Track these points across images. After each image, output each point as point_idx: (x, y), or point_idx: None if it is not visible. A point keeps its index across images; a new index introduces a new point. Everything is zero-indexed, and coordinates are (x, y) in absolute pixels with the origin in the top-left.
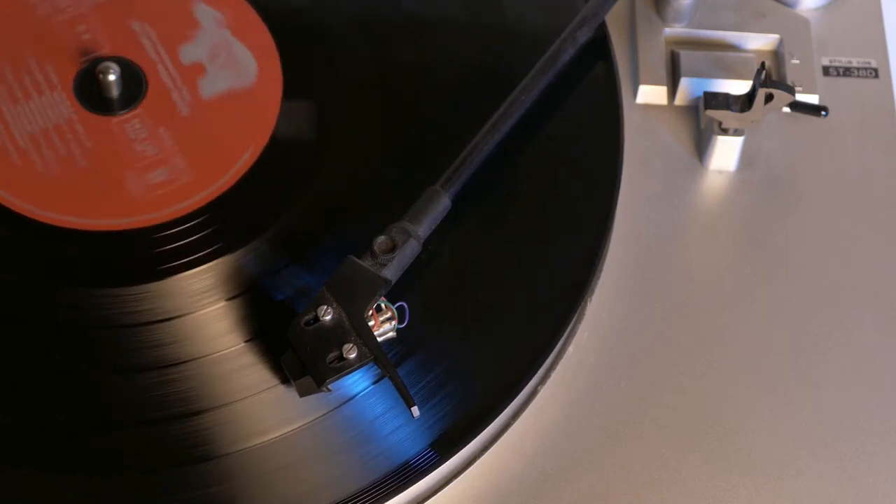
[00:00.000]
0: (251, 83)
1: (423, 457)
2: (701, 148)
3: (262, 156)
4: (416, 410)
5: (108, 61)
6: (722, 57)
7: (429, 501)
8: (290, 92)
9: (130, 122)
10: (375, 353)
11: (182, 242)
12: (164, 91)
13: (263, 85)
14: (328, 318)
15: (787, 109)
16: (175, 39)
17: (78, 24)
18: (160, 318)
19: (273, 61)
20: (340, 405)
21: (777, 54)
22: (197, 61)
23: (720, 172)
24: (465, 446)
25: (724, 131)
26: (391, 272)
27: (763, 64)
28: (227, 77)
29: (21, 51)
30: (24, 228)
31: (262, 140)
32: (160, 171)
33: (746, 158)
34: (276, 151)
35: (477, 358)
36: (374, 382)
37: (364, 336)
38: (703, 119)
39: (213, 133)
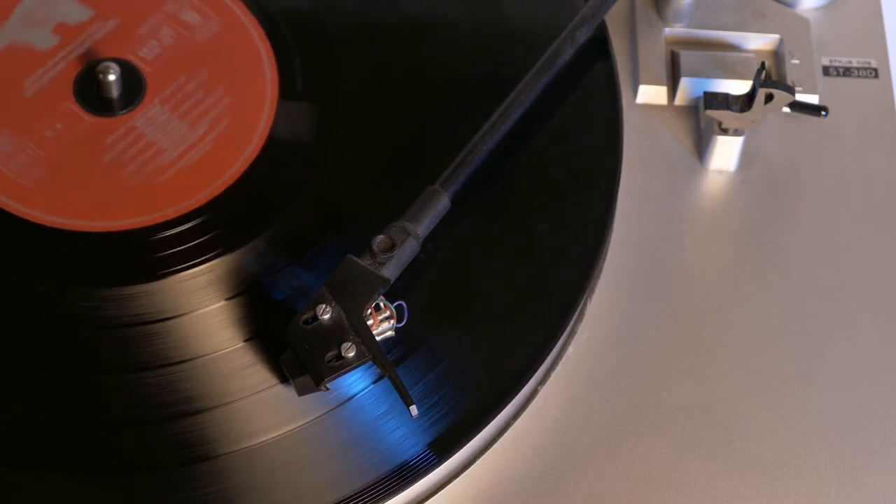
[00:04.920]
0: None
1: (422, 457)
2: (701, 148)
3: (262, 155)
4: (414, 409)
5: (107, 61)
6: (722, 57)
7: (429, 501)
8: (289, 92)
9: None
10: (374, 352)
11: (181, 242)
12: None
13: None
14: (327, 317)
15: (787, 109)
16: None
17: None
18: (159, 317)
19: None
20: (340, 405)
21: (777, 54)
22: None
23: (720, 172)
24: (464, 446)
25: (724, 131)
26: (390, 271)
27: (763, 64)
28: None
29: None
30: (24, 230)
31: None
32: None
33: (746, 158)
34: (276, 151)
35: (477, 358)
36: (374, 382)
37: (363, 335)
38: (703, 119)
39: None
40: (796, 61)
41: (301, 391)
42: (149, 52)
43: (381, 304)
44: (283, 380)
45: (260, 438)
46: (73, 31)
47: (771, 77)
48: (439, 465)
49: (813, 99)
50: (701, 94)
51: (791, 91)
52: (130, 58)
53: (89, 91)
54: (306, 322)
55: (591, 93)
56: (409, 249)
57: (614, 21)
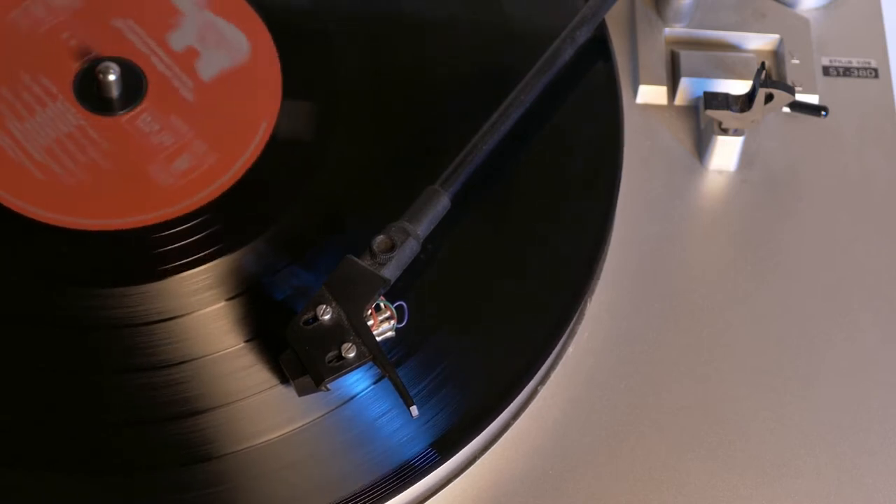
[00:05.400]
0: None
1: (423, 457)
2: (701, 148)
3: (263, 155)
4: (415, 410)
5: (106, 61)
6: (722, 57)
7: (429, 501)
8: (288, 92)
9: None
10: (374, 353)
11: (182, 242)
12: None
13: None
14: (327, 317)
15: (787, 109)
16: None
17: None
18: (160, 318)
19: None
20: (340, 405)
21: (777, 54)
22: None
23: (720, 172)
24: (465, 446)
25: (724, 131)
26: (390, 272)
27: (763, 64)
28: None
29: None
30: (24, 230)
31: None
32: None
33: (746, 158)
34: (276, 151)
35: (477, 358)
36: (374, 382)
37: (363, 335)
38: (703, 119)
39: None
40: (796, 61)
41: (301, 392)
42: (148, 51)
43: (382, 305)
44: (284, 380)
45: (260, 439)
46: None
47: (771, 77)
48: (440, 465)
49: (813, 99)
50: (701, 94)
51: (791, 91)
52: (131, 56)
53: (89, 91)
54: (306, 322)
55: (591, 93)
56: (409, 250)
57: (614, 21)
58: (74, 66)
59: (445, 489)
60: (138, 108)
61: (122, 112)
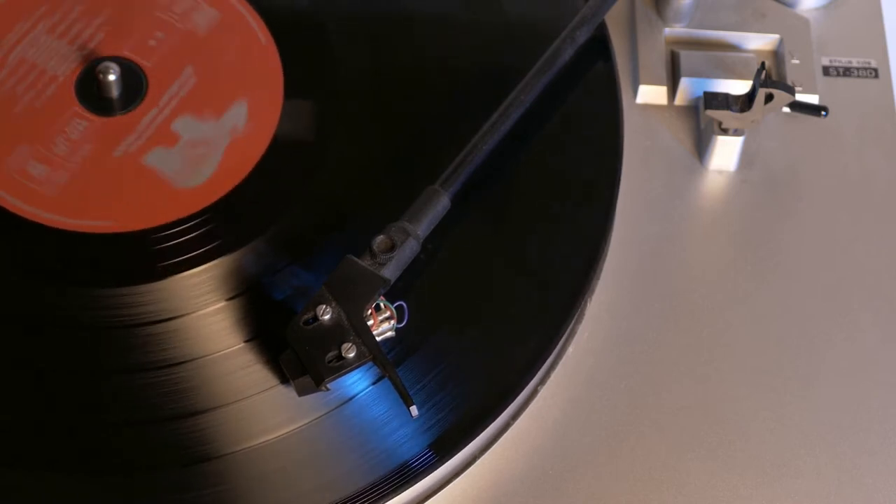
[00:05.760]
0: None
1: (422, 457)
2: (701, 148)
3: (265, 155)
4: (414, 410)
5: (107, 61)
6: (722, 57)
7: (429, 501)
8: (289, 92)
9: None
10: (374, 353)
11: (182, 242)
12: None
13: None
14: (327, 317)
15: (787, 109)
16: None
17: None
18: (160, 318)
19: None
20: (340, 405)
21: (777, 54)
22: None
23: (720, 172)
24: (464, 446)
25: (724, 131)
26: (390, 271)
27: (763, 64)
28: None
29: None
30: (25, 229)
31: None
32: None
33: (746, 158)
34: (277, 151)
35: (477, 358)
36: (374, 383)
37: (363, 335)
38: (703, 119)
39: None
40: (796, 61)
41: (301, 392)
42: (149, 50)
43: (382, 305)
44: (284, 380)
45: (260, 439)
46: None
47: (771, 77)
48: (439, 465)
49: (813, 99)
50: (701, 94)
51: (791, 91)
52: (130, 56)
53: (90, 91)
54: (306, 322)
55: (591, 93)
56: (409, 249)
57: (614, 21)
58: (75, 69)
59: (445, 489)
60: (138, 109)
61: (121, 112)
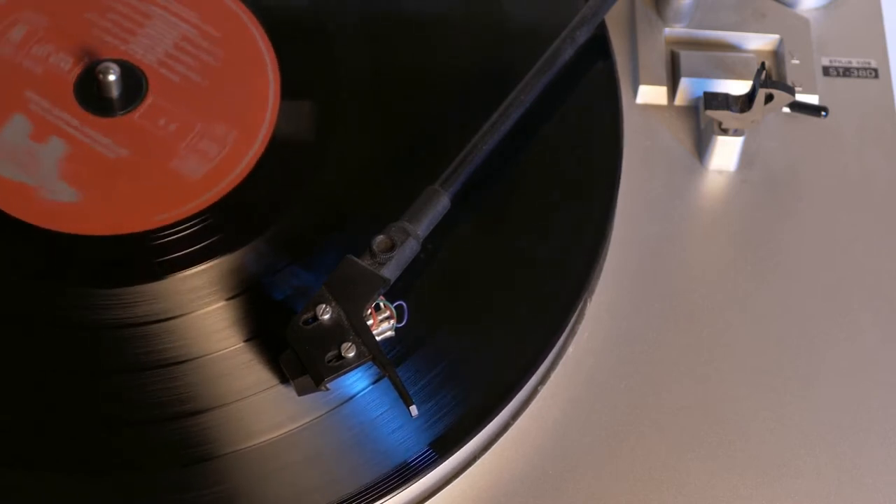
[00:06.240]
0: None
1: (422, 457)
2: (701, 148)
3: (265, 155)
4: (414, 409)
5: (107, 61)
6: (722, 57)
7: (429, 501)
8: (289, 91)
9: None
10: (374, 352)
11: (182, 242)
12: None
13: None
14: (327, 317)
15: (787, 109)
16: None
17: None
18: (160, 317)
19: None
20: (340, 405)
21: (777, 54)
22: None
23: (720, 172)
24: (464, 446)
25: (724, 131)
26: (390, 271)
27: (763, 64)
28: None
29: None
30: (25, 229)
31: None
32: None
33: (746, 158)
34: (277, 151)
35: (477, 358)
36: (374, 382)
37: (363, 335)
38: (703, 119)
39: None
40: (796, 61)
41: (301, 391)
42: (149, 53)
43: (381, 305)
44: (283, 380)
45: (260, 438)
46: None
47: (771, 77)
48: (439, 464)
49: (813, 99)
50: (701, 94)
51: (791, 91)
52: (131, 58)
53: (89, 92)
54: (306, 322)
55: (591, 93)
56: (409, 249)
57: (614, 21)
58: (75, 71)
59: (445, 489)
60: (138, 109)
61: (121, 112)
